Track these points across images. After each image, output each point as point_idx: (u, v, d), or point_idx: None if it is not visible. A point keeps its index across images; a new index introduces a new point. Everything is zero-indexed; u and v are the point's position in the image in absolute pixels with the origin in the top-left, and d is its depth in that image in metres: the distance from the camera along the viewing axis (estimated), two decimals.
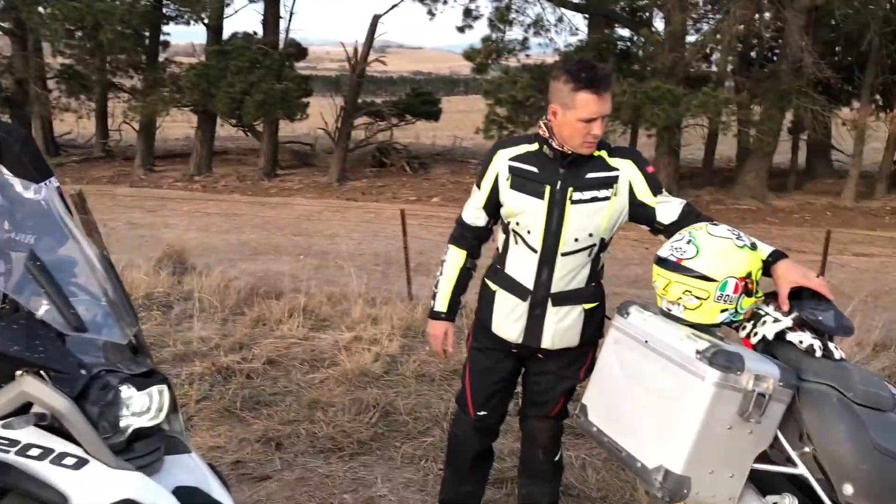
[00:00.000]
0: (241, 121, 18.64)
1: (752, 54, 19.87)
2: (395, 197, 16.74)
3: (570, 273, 2.61)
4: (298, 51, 20.96)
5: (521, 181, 2.60)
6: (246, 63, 17.31)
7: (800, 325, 2.26)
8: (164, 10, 19.08)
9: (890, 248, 11.64)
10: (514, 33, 18.86)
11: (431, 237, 9.72)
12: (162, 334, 5.50)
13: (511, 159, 2.64)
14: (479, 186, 2.73)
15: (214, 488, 1.72)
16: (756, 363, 2.06)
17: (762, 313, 2.31)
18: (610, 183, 2.55)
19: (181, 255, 7.59)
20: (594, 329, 2.70)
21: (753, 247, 2.28)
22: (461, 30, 20.07)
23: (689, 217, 2.52)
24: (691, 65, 17.12)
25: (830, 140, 19.00)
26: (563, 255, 2.58)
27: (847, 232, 12.87)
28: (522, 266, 2.64)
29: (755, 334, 2.30)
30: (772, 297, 2.35)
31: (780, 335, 2.26)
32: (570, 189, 2.54)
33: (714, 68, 19.53)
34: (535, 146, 2.62)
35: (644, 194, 2.58)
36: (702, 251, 2.22)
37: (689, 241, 2.26)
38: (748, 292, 2.24)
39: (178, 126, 25.06)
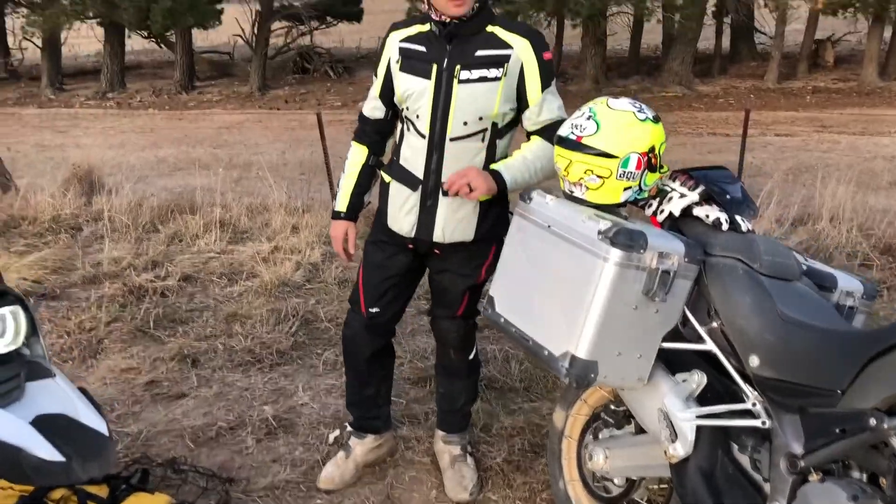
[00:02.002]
0: (151, 31, 17.68)
1: None
2: (319, 103, 16.24)
3: (461, 161, 2.43)
4: None
5: (410, 62, 2.43)
6: None
7: (706, 199, 2.18)
8: None
9: (810, 126, 11.81)
10: None
11: None
12: (70, 258, 5.24)
13: (402, 41, 2.47)
14: (376, 75, 2.58)
15: (82, 411, 1.58)
16: (659, 240, 1.99)
17: (668, 189, 2.23)
18: (500, 62, 2.36)
19: (90, 174, 7.20)
20: (491, 223, 2.53)
21: (656, 119, 2.17)
22: None
23: (545, 133, 2.43)
24: None
25: (753, 22, 18.98)
26: (452, 140, 2.41)
27: (770, 113, 13.01)
28: (413, 154, 2.49)
29: (661, 211, 2.21)
30: (678, 173, 2.26)
31: (687, 211, 2.18)
32: (458, 67, 2.36)
33: None
34: (426, 26, 2.44)
35: (533, 87, 2.39)
36: (602, 127, 2.11)
37: (588, 117, 2.14)
38: (651, 167, 2.14)
39: (87, 41, 23.72)
